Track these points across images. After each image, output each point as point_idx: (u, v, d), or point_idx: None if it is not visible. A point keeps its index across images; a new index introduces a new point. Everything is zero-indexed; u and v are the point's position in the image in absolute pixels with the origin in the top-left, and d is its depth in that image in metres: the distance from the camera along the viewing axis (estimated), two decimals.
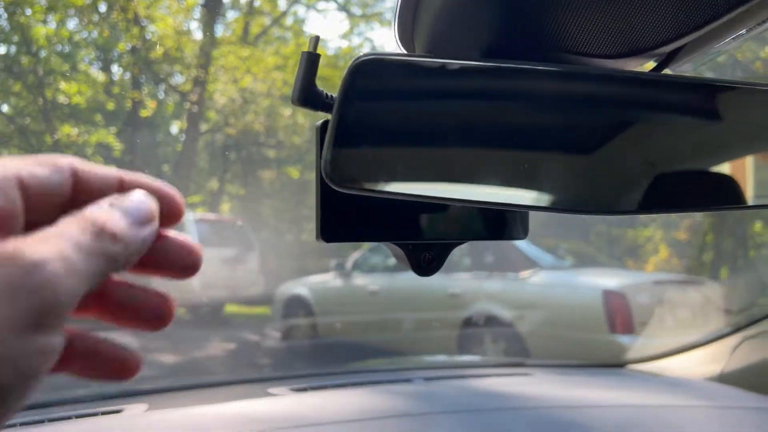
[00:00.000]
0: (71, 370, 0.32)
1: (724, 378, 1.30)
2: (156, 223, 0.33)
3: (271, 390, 1.21)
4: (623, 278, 4.37)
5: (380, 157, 0.39)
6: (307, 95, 0.46)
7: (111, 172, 0.33)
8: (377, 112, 0.38)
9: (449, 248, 0.64)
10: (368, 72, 0.38)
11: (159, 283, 0.35)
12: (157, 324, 0.34)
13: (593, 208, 0.42)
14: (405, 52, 0.51)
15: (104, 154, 7.46)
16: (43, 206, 0.31)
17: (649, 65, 0.55)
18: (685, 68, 0.55)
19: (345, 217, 0.57)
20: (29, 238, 0.27)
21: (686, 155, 0.49)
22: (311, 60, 0.46)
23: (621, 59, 0.52)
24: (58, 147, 7.27)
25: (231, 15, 9.37)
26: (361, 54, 0.38)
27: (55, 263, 0.26)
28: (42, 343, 0.26)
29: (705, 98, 0.47)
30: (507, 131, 0.40)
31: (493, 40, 0.45)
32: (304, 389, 1.21)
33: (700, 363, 1.39)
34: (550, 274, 4.38)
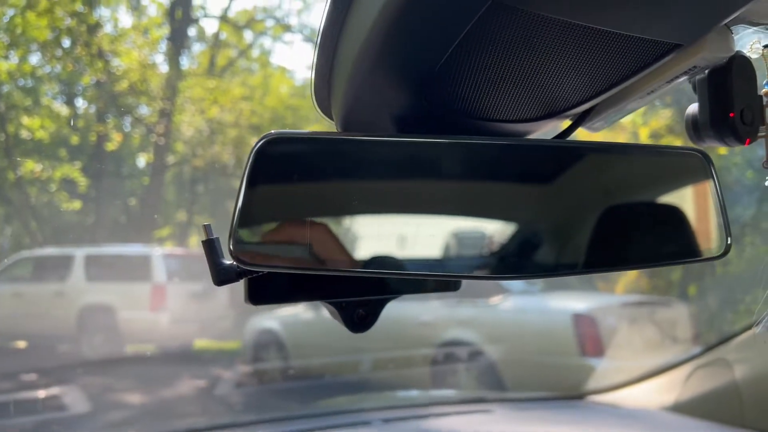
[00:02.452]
0: None
1: (679, 407, 1.32)
2: None
3: None
4: (592, 301, 4.41)
5: (287, 232, 0.39)
6: (222, 275, 0.52)
7: None
8: (283, 189, 0.39)
9: (383, 303, 0.64)
10: (273, 151, 0.38)
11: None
12: None
13: (493, 272, 0.42)
14: (324, 118, 0.52)
15: (69, 189, 7.33)
16: None
17: (565, 124, 0.56)
18: (598, 125, 0.56)
19: (273, 277, 0.57)
20: None
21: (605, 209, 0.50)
22: (211, 245, 0.49)
23: (537, 122, 0.53)
24: (21, 183, 7.13)
25: (197, 48, 9.36)
26: (266, 133, 0.38)
27: None
28: None
29: (607, 159, 0.48)
30: (412, 202, 0.40)
31: (403, 112, 0.46)
32: None
33: (657, 392, 1.41)
34: (521, 299, 4.39)
